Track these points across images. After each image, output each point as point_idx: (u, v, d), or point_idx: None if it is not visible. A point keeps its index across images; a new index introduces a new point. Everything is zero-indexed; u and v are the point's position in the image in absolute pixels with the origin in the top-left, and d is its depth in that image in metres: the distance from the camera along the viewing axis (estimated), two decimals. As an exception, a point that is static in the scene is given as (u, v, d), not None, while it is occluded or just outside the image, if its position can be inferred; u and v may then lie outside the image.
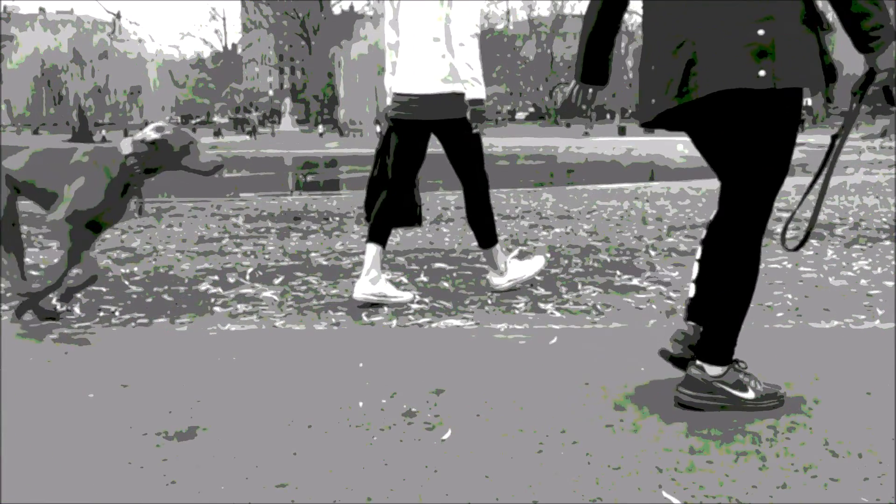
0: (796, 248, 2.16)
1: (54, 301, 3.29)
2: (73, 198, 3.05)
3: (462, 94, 3.35)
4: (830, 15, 1.99)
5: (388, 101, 3.61)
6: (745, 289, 2.06)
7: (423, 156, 3.58)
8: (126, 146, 3.10)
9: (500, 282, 3.69)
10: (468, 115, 3.35)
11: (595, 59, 2.21)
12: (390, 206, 3.55)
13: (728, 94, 1.90)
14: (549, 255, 4.63)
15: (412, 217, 3.74)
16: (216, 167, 3.14)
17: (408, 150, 3.53)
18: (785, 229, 2.22)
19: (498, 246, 3.68)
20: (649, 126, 2.13)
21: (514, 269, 3.71)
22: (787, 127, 1.96)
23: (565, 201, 8.18)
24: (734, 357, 2.12)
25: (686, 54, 1.91)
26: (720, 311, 2.09)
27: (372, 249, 3.51)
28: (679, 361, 2.22)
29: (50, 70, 45.26)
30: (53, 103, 47.57)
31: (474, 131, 3.42)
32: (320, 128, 52.06)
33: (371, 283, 3.47)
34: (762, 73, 1.85)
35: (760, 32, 1.85)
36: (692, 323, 2.21)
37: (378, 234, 3.53)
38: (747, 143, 1.96)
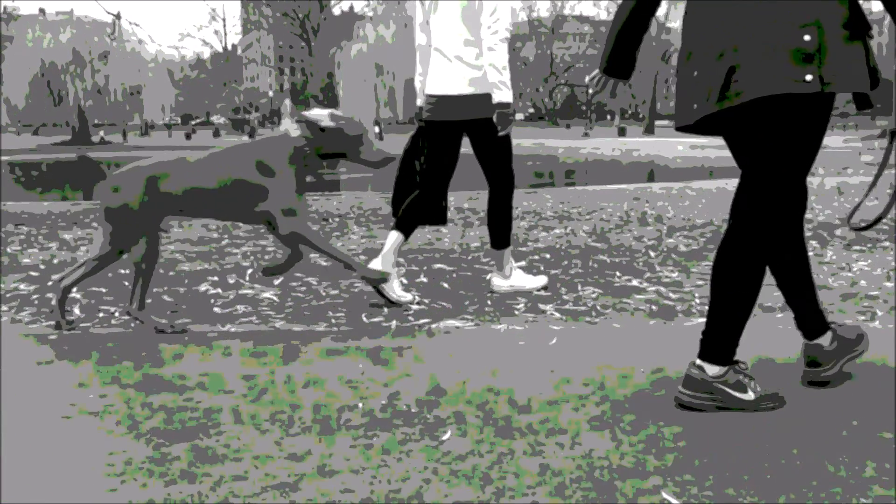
0: (863, 229, 2.22)
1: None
2: (278, 199, 2.91)
3: (484, 96, 3.40)
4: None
5: (419, 101, 3.66)
6: (752, 289, 2.07)
7: (457, 156, 3.61)
8: (294, 130, 2.97)
9: (501, 284, 3.70)
10: (494, 118, 3.40)
11: (622, 54, 2.24)
12: (420, 205, 3.59)
13: (772, 100, 1.92)
14: (549, 256, 4.63)
15: (440, 216, 3.74)
16: (386, 159, 3.03)
17: (441, 151, 3.57)
18: (852, 213, 2.28)
19: (509, 249, 3.70)
20: (686, 130, 2.15)
21: (518, 277, 3.72)
22: (822, 129, 2.01)
23: (565, 202, 8.18)
24: (735, 358, 2.12)
25: (729, 60, 1.94)
26: (725, 310, 2.09)
27: (393, 236, 3.54)
28: (818, 384, 2.26)
29: (50, 70, 45.22)
30: (53, 104, 47.55)
31: (500, 134, 3.46)
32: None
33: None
34: (808, 77, 1.88)
35: (806, 38, 1.87)
36: (807, 341, 2.28)
37: (403, 227, 3.57)
38: (784, 144, 1.98)
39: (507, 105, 3.40)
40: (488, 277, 3.79)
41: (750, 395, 2.09)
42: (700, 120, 2.04)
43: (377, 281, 3.20)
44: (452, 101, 3.46)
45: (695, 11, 2.07)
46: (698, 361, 2.12)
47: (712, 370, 2.09)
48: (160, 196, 2.94)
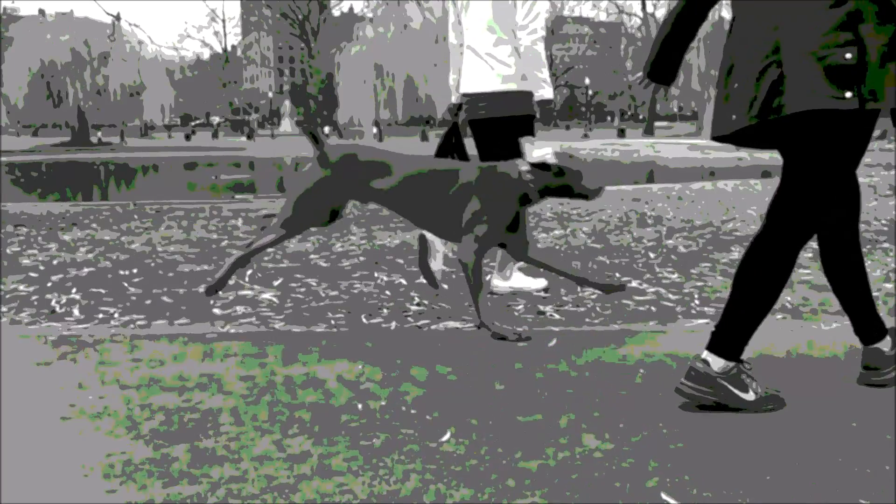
0: None
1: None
2: (477, 223, 2.95)
3: (520, 93, 3.48)
4: None
5: (453, 99, 3.77)
6: (774, 291, 2.10)
7: (497, 152, 3.63)
8: (524, 168, 2.96)
9: (500, 285, 3.72)
10: (538, 115, 3.50)
11: (665, 61, 2.28)
12: None
13: (812, 114, 1.97)
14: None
15: None
16: (601, 189, 3.03)
17: (481, 148, 3.67)
18: None
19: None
20: (723, 140, 2.19)
21: (518, 279, 3.74)
22: (865, 141, 2.06)
23: (564, 203, 8.18)
24: (741, 357, 2.13)
25: (772, 74, 1.98)
26: (743, 307, 2.11)
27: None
28: (880, 385, 2.26)
29: (49, 71, 45.17)
30: (53, 105, 47.48)
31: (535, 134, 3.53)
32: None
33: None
34: (848, 94, 1.92)
35: (847, 56, 1.91)
36: (865, 346, 2.29)
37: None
38: (825, 155, 2.03)
39: (549, 101, 3.52)
40: (487, 279, 3.79)
41: (751, 396, 2.09)
42: (739, 132, 2.08)
43: (613, 289, 3.17)
44: (484, 99, 3.54)
45: (740, 24, 2.12)
46: (704, 354, 2.13)
47: (717, 364, 2.10)
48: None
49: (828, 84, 1.92)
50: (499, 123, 3.55)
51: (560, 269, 3.10)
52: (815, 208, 2.09)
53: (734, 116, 2.07)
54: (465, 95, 3.63)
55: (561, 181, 2.96)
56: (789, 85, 1.96)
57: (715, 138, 2.21)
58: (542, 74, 3.48)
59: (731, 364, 2.10)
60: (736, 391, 2.09)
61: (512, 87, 3.49)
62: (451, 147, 3.70)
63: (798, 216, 2.09)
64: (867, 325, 2.29)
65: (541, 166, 2.94)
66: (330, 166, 3.04)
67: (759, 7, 2.04)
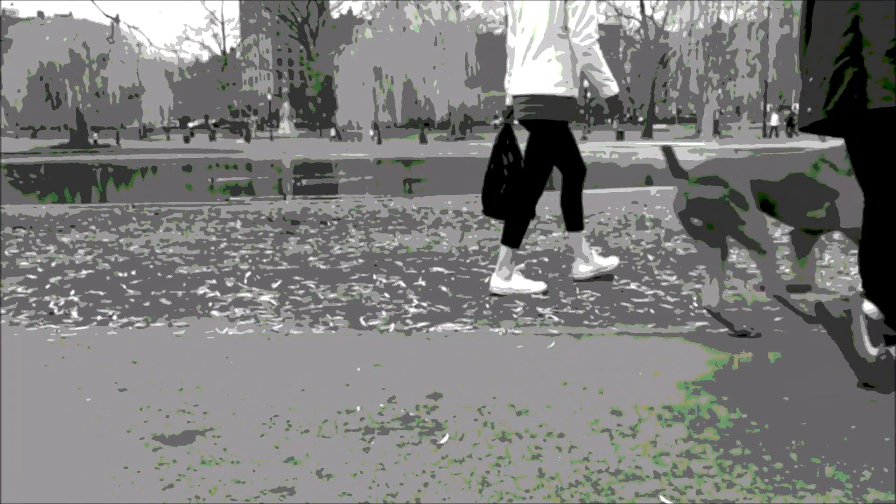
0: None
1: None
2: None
3: (567, 98, 3.65)
4: None
5: (508, 100, 3.90)
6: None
7: (565, 151, 3.85)
8: None
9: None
10: (606, 110, 3.66)
11: None
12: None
13: (881, 112, 2.05)
14: (547, 260, 4.63)
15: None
16: None
17: (536, 148, 3.80)
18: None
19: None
20: (807, 131, 2.28)
21: (518, 281, 3.75)
22: None
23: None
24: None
25: (842, 70, 2.08)
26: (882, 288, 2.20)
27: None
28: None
29: (48, 73, 45.20)
30: (52, 107, 47.50)
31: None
32: (332, 131, 52.19)
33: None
34: None
35: None
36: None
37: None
38: (890, 157, 2.11)
39: (616, 96, 3.70)
40: (486, 280, 3.81)
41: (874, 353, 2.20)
42: (817, 124, 2.19)
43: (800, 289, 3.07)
44: (537, 102, 3.67)
45: (819, 21, 2.19)
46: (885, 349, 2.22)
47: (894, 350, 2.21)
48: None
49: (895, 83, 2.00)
50: (545, 125, 3.71)
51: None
52: (889, 203, 2.16)
53: (809, 109, 2.20)
54: (515, 97, 3.77)
55: None
56: (859, 82, 2.05)
57: (802, 129, 2.34)
58: (603, 73, 3.60)
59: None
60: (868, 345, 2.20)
61: (560, 91, 3.63)
62: (504, 148, 3.87)
63: (876, 212, 2.19)
64: None
65: None
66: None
67: (833, 7, 2.13)
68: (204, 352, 2.82)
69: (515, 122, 3.86)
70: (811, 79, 2.18)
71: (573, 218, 3.93)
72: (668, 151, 2.87)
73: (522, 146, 3.85)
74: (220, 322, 3.27)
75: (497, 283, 3.72)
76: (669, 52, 44.18)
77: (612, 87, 3.66)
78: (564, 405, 2.20)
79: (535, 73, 3.65)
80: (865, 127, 2.13)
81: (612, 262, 4.03)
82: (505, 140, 3.87)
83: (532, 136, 3.79)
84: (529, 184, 3.79)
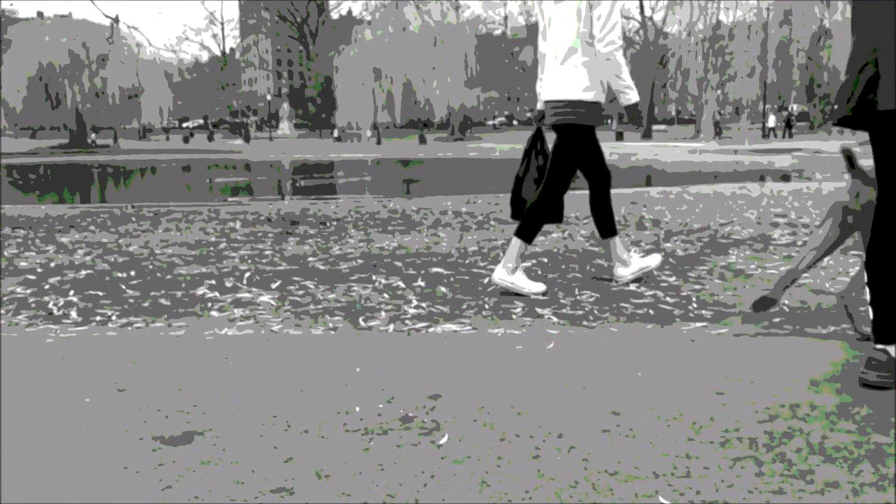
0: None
1: None
2: None
3: (594, 103, 3.71)
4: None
5: (539, 105, 3.99)
6: None
7: (591, 156, 3.90)
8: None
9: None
10: (625, 117, 3.71)
11: None
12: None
13: (891, 114, 2.17)
14: (546, 260, 4.63)
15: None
16: None
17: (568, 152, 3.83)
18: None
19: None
20: (838, 125, 2.41)
21: (520, 278, 3.76)
22: None
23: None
24: None
25: (869, 72, 2.21)
26: (885, 296, 2.28)
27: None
28: (878, 388, 2.29)
29: (47, 73, 45.18)
30: (51, 107, 47.47)
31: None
32: (335, 132, 52.19)
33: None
34: None
35: None
36: (881, 346, 2.33)
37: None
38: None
39: (635, 105, 3.73)
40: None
41: None
42: (843, 119, 2.31)
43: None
44: (564, 106, 3.73)
45: (857, 22, 2.30)
46: (880, 346, 2.28)
47: (892, 349, 2.26)
48: None
49: None
50: (573, 130, 3.76)
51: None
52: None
53: (836, 106, 2.33)
54: (546, 102, 3.85)
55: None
56: (881, 84, 2.18)
57: (833, 123, 2.45)
58: (624, 81, 3.64)
59: None
60: None
61: (587, 96, 3.69)
62: (535, 152, 3.95)
63: (888, 209, 2.29)
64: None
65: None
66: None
67: (869, 13, 2.24)
68: (203, 352, 2.82)
69: (546, 126, 3.92)
70: (846, 76, 2.29)
71: (604, 225, 3.94)
72: (848, 152, 2.89)
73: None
74: (219, 322, 3.27)
75: (501, 274, 3.75)
76: (668, 52, 44.21)
77: (632, 96, 3.69)
78: (563, 406, 2.20)
79: (563, 79, 3.72)
80: (878, 126, 2.24)
81: (655, 260, 4.02)
82: (536, 144, 3.96)
83: (559, 139, 3.83)
84: (552, 184, 3.82)
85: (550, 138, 3.96)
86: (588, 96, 3.70)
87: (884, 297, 2.30)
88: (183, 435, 2.03)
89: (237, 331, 3.13)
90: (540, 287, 3.75)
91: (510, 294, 3.70)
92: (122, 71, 46.35)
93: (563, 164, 3.81)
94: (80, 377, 2.53)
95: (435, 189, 13.01)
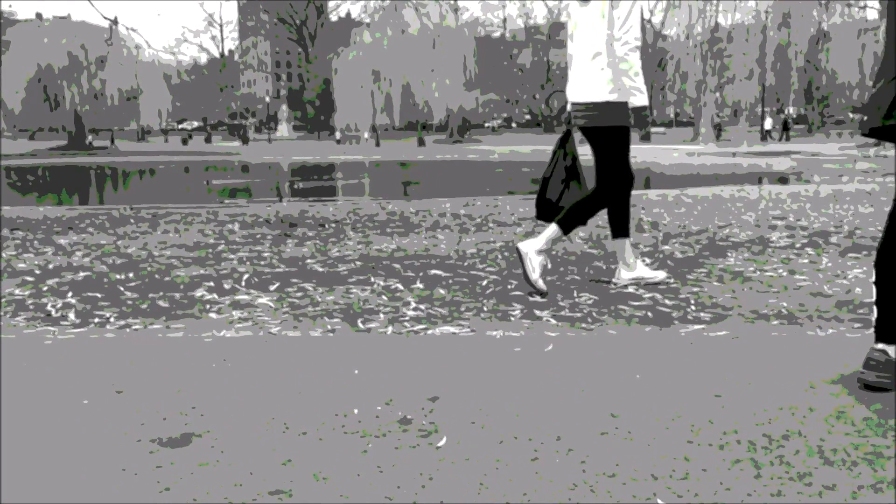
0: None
1: None
2: None
3: (621, 104, 3.70)
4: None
5: (568, 107, 4.00)
6: None
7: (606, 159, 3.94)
8: None
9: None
10: (632, 121, 3.71)
11: None
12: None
13: None
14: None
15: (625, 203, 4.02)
16: None
17: (595, 154, 3.90)
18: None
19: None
20: (868, 136, 2.42)
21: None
22: None
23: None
24: None
25: (891, 90, 2.23)
26: (891, 297, 2.29)
27: (620, 243, 3.93)
28: (877, 389, 2.30)
29: (46, 75, 45.17)
30: (50, 108, 47.48)
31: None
32: (338, 134, 52.23)
33: (629, 269, 3.91)
34: None
35: None
36: (881, 346, 2.34)
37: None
38: None
39: (643, 108, 3.73)
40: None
41: None
42: (874, 130, 2.32)
43: None
44: (592, 109, 3.77)
45: (887, 45, 2.33)
46: (879, 346, 2.29)
47: (892, 350, 2.28)
48: None
49: None
50: (603, 132, 3.79)
51: None
52: None
53: (865, 118, 2.36)
54: (574, 105, 3.89)
55: None
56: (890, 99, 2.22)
57: (863, 134, 2.44)
58: (634, 83, 3.65)
59: None
60: None
61: (614, 97, 3.70)
62: (564, 153, 4.00)
63: None
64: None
65: None
66: None
67: None
68: (201, 354, 2.82)
69: (575, 127, 3.96)
70: (879, 84, 2.30)
71: (618, 225, 3.96)
72: None
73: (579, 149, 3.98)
74: (217, 324, 3.27)
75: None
76: (667, 55, 44.26)
77: (639, 100, 3.69)
78: (562, 407, 2.20)
79: (589, 81, 3.75)
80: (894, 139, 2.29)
81: (659, 275, 4.01)
82: (564, 144, 4.01)
83: (592, 143, 3.86)
84: (609, 181, 3.85)
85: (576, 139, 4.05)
86: (615, 97, 3.71)
87: (888, 297, 2.31)
88: (181, 437, 2.03)
89: (235, 332, 3.13)
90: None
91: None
92: (120, 73, 46.36)
93: (608, 161, 3.83)
94: (78, 379, 2.53)
95: (433, 191, 13.02)
